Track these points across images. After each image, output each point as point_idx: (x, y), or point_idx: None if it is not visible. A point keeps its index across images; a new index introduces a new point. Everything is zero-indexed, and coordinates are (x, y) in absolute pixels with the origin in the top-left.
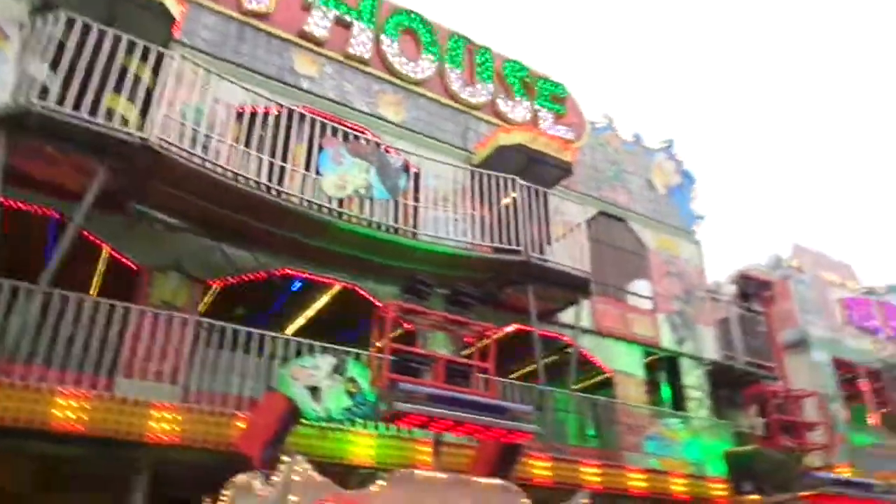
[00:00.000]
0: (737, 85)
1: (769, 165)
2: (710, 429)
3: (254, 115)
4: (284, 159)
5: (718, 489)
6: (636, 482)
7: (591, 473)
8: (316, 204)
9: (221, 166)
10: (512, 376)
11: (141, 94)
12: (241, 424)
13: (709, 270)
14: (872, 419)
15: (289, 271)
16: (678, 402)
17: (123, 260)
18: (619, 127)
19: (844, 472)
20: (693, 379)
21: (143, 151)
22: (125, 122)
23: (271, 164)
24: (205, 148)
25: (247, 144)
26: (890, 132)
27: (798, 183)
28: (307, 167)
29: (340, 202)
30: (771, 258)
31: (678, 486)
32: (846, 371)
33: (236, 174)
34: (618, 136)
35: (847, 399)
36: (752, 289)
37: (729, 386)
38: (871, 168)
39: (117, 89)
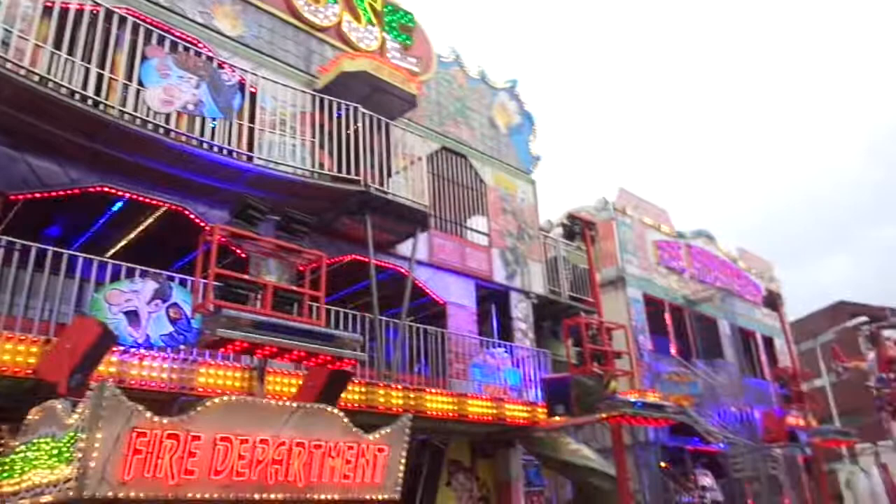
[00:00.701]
0: (581, 36)
1: (604, 115)
2: (531, 357)
3: (66, 11)
4: (102, 66)
5: (536, 412)
6: (463, 407)
7: (418, 399)
8: (140, 118)
9: (26, 68)
10: (349, 306)
11: None
12: (46, 350)
13: (542, 209)
14: (673, 349)
15: (107, 189)
16: (506, 333)
17: None
18: (466, 63)
19: (646, 396)
20: (520, 311)
21: None
22: None
23: (87, 71)
24: (4, 45)
25: (57, 46)
26: (708, 94)
27: (628, 133)
28: (129, 77)
29: (167, 118)
30: (598, 200)
31: (497, 411)
32: (654, 306)
33: (44, 78)
34: (464, 72)
35: (653, 331)
36: (579, 228)
37: (552, 318)
38: (690, 125)
39: None
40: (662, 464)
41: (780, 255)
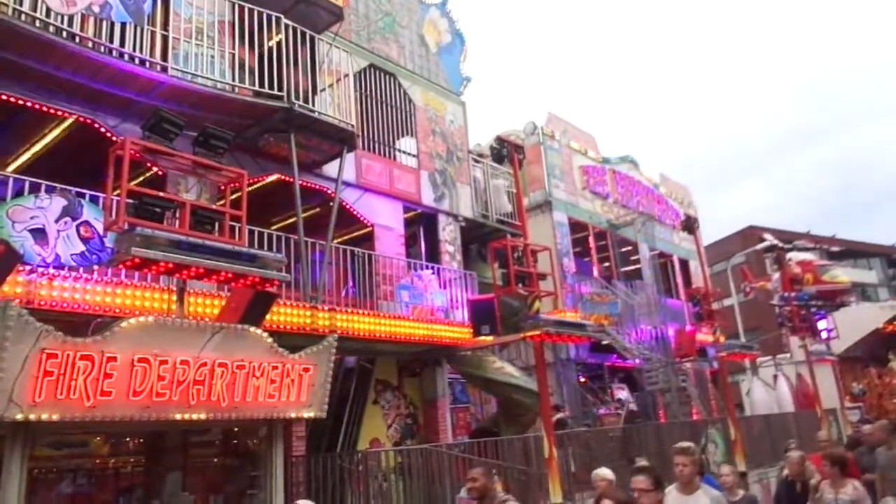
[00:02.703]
0: None
1: (536, 38)
2: (458, 279)
3: None
4: None
5: (462, 333)
6: (390, 328)
7: (346, 320)
8: (41, 20)
9: None
10: (274, 227)
11: None
12: None
13: (471, 132)
14: (595, 271)
15: (4, 97)
16: (434, 255)
17: None
18: None
19: (568, 315)
20: (448, 234)
21: None
22: None
23: None
24: None
25: None
26: (647, 27)
27: (559, 58)
28: None
29: (70, 20)
30: (527, 124)
31: (425, 331)
32: (579, 229)
33: None
34: None
35: (577, 253)
36: (507, 152)
37: (480, 241)
38: (623, 55)
39: None
40: (582, 379)
41: (699, 181)
